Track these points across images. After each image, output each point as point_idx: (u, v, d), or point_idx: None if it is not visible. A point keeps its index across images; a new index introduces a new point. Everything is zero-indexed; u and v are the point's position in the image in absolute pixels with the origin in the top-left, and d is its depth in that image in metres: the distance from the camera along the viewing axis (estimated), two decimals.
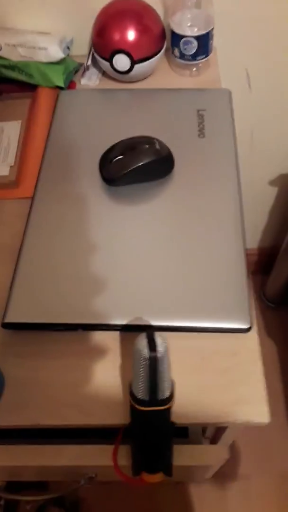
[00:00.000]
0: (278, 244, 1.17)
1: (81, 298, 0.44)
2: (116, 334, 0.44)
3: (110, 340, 0.44)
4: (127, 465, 0.40)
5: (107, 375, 0.42)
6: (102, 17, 0.61)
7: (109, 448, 0.41)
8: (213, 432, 0.47)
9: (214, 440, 0.53)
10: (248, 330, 0.42)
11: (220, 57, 0.71)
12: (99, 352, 0.43)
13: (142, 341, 0.34)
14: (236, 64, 0.75)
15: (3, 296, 0.46)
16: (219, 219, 0.49)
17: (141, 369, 0.33)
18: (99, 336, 0.44)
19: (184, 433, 0.49)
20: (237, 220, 0.49)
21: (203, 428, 0.55)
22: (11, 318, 0.43)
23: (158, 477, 0.37)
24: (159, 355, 0.33)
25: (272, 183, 1.02)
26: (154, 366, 0.33)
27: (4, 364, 0.43)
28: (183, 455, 0.40)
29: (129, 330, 0.43)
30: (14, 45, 0.61)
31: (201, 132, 0.57)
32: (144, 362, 0.33)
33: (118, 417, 0.39)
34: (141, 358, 0.33)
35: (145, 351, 0.33)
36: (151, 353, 0.33)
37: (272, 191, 1.05)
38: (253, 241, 1.22)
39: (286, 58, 0.75)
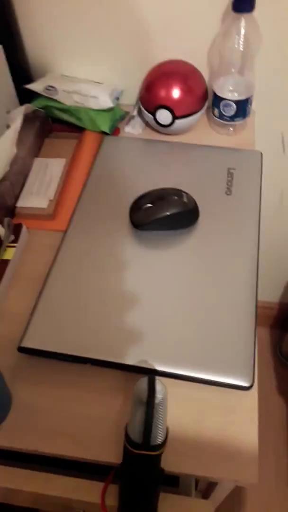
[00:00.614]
0: None
1: (95, 333, 0.47)
2: (121, 373, 0.46)
3: (116, 378, 0.45)
4: (114, 505, 0.41)
5: (108, 412, 0.43)
6: (152, 74, 0.66)
7: (100, 485, 0.42)
8: (205, 487, 0.48)
9: (205, 496, 0.53)
10: (249, 388, 0.43)
11: (257, 120, 0.75)
12: (103, 388, 0.45)
13: (142, 385, 0.36)
14: (273, 127, 0.79)
15: (24, 321, 0.49)
16: (235, 274, 0.51)
17: (138, 412, 0.35)
18: (106, 373, 0.46)
19: (175, 482, 0.49)
20: (252, 278, 0.51)
21: (196, 480, 0.55)
22: (27, 343, 0.46)
23: None
24: (156, 401, 0.35)
25: None
26: (150, 411, 0.35)
27: (13, 385, 0.45)
28: (167, 504, 0.40)
29: (134, 371, 0.45)
30: (69, 92, 0.68)
31: (229, 189, 0.60)
32: (141, 406, 0.35)
33: (112, 455, 0.41)
34: (139, 401, 0.35)
35: (144, 395, 0.35)
36: (149, 398, 0.35)
37: None
38: (275, 296, 1.22)
39: None
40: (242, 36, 0.60)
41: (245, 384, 0.43)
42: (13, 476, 0.43)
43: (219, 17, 0.64)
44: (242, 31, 0.60)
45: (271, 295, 1.20)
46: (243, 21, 0.59)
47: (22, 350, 0.46)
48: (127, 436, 0.37)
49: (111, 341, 0.46)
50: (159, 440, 0.36)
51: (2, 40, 0.65)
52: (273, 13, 0.63)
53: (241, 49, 0.61)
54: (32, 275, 0.54)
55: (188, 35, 0.67)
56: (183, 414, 0.43)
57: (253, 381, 0.43)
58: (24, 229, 0.57)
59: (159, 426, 0.36)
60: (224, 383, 0.43)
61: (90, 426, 0.43)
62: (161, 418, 0.36)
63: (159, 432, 0.36)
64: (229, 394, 0.44)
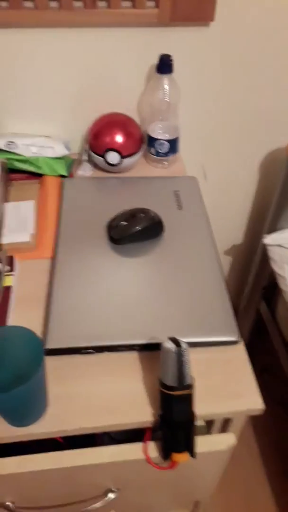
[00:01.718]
0: (236, 308, 1.34)
1: (103, 327, 0.55)
2: (135, 355, 0.55)
3: (130, 359, 0.54)
4: (157, 457, 0.48)
5: (132, 386, 0.52)
6: (98, 125, 0.80)
7: (139, 446, 0.49)
8: (220, 429, 0.57)
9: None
10: (236, 342, 0.55)
11: (183, 155, 0.93)
12: (123, 368, 0.53)
13: (169, 342, 0.46)
14: (195, 160, 0.97)
15: (38, 332, 0.56)
16: (201, 262, 0.64)
17: (171, 361, 0.45)
18: (122, 356, 0.54)
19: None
20: (215, 261, 0.65)
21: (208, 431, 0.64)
22: (51, 345, 0.53)
23: (185, 457, 0.46)
24: (183, 349, 0.45)
25: (227, 252, 1.21)
26: (180, 357, 0.45)
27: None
28: (199, 444, 0.49)
29: (145, 350, 0.54)
30: (27, 145, 0.79)
31: (179, 206, 0.75)
32: (173, 355, 0.45)
33: (145, 415, 0.49)
34: (171, 352, 0.45)
35: (173, 346, 0.45)
36: (178, 347, 0.45)
37: (227, 260, 1.24)
38: None
39: (231, 156, 0.99)
40: (166, 91, 0.78)
41: (233, 339, 0.55)
42: (61, 457, 0.48)
43: (144, 77, 0.82)
44: (166, 87, 0.77)
45: None
46: (165, 80, 0.77)
47: (47, 352, 0.53)
48: (164, 384, 0.46)
49: (118, 329, 0.55)
50: (190, 380, 0.46)
51: None
52: (186, 75, 0.82)
53: (166, 99, 0.79)
54: (32, 296, 0.61)
55: (122, 92, 0.83)
56: (193, 371, 0.53)
57: (239, 336, 0.56)
58: (15, 259, 0.65)
59: (188, 369, 0.46)
60: (218, 341, 0.55)
61: (120, 399, 0.50)
62: (187, 363, 0.45)
63: (189, 373, 0.46)
64: (223, 352, 0.55)
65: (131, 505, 0.64)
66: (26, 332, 0.45)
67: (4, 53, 0.76)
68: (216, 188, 1.05)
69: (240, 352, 0.56)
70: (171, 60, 0.75)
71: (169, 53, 0.78)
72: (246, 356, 0.55)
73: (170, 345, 0.45)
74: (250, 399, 0.51)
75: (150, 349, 0.54)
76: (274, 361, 1.12)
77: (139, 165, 0.86)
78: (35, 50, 0.76)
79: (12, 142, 0.79)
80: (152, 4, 0.73)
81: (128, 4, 0.73)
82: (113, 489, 0.55)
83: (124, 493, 0.57)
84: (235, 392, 0.52)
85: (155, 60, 0.77)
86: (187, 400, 0.46)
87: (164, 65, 0.75)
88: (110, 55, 0.79)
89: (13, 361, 0.47)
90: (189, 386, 0.46)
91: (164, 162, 0.86)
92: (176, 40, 0.78)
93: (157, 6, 0.73)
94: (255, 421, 1.22)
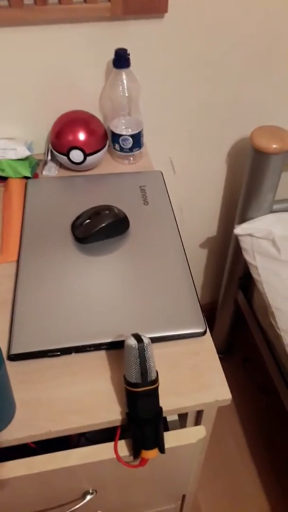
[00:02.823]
0: (215, 300, 1.35)
1: (69, 328, 0.55)
2: (103, 354, 0.54)
3: (98, 358, 0.54)
4: (127, 455, 0.48)
5: (100, 385, 0.51)
6: (59, 123, 0.79)
7: (110, 445, 0.49)
8: (193, 423, 0.57)
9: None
10: (204, 333, 0.55)
11: (149, 149, 0.93)
12: (91, 369, 0.53)
13: (130, 338, 0.45)
14: (162, 154, 0.97)
15: (4, 338, 0.55)
16: (168, 257, 0.64)
17: (133, 358, 0.45)
18: (89, 356, 0.54)
19: (165, 428, 0.58)
20: (181, 255, 0.65)
21: (181, 422, 0.64)
22: (15, 350, 0.53)
23: (154, 453, 0.46)
24: (145, 344, 0.45)
25: (202, 245, 1.22)
26: (143, 353, 0.44)
27: (13, 391, 0.51)
28: (169, 439, 0.49)
29: (113, 347, 0.54)
30: None
31: (145, 201, 0.75)
32: (134, 352, 0.44)
33: (115, 414, 0.49)
34: (132, 349, 0.45)
35: (134, 343, 0.45)
36: (139, 343, 0.44)
37: (203, 252, 1.25)
38: None
39: (197, 148, 0.99)
40: (125, 85, 0.77)
41: (201, 330, 0.55)
42: (31, 463, 0.48)
43: (103, 73, 0.81)
44: (124, 82, 0.77)
45: None
46: (123, 75, 0.76)
47: (12, 357, 0.52)
48: (128, 381, 0.45)
49: (85, 329, 0.55)
50: (153, 376, 0.46)
51: None
52: (145, 68, 0.82)
53: (126, 95, 0.78)
54: None
55: (81, 90, 0.82)
56: (162, 365, 0.52)
57: (205, 327, 0.56)
58: None
59: (151, 364, 0.45)
60: (185, 333, 0.55)
61: (89, 399, 0.50)
62: (150, 358, 0.45)
63: (153, 368, 0.45)
64: (191, 344, 0.55)
65: (114, 504, 0.63)
66: None
67: None
68: (186, 181, 1.05)
69: (207, 343, 0.56)
70: (127, 54, 0.75)
71: (126, 47, 0.77)
72: (213, 347, 0.55)
73: (131, 342, 0.45)
74: (218, 390, 0.51)
75: (117, 347, 0.54)
76: (256, 350, 1.13)
77: (104, 162, 0.85)
78: None
79: None
80: None
81: None
82: (90, 490, 0.54)
83: (103, 494, 0.57)
84: (203, 384, 0.52)
85: (111, 55, 0.76)
86: (152, 395, 0.46)
87: (120, 60, 0.75)
88: (66, 52, 0.78)
89: None
90: (153, 382, 0.46)
91: (130, 158, 0.85)
92: (131, 34, 0.77)
93: (109, 0, 0.72)
94: (240, 408, 1.23)
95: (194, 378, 0.52)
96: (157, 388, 0.46)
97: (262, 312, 1.02)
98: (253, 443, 1.18)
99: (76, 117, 0.80)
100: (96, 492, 0.55)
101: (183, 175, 1.03)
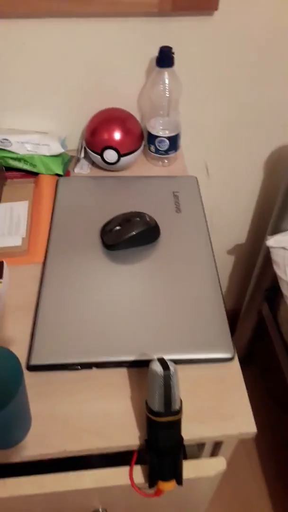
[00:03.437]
0: (239, 307, 1.31)
1: (92, 341, 0.53)
2: (124, 371, 0.52)
3: (120, 376, 0.52)
4: (141, 483, 0.46)
5: (120, 405, 0.49)
6: (95, 121, 0.77)
7: (125, 470, 0.47)
8: (210, 451, 0.55)
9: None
10: (232, 359, 0.53)
11: (184, 151, 0.89)
12: (111, 386, 0.51)
13: (156, 364, 0.43)
14: (197, 157, 0.93)
15: (25, 345, 0.54)
16: (198, 271, 0.61)
17: (157, 385, 0.42)
18: (110, 373, 0.52)
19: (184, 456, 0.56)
20: (213, 271, 0.62)
21: (199, 449, 0.62)
22: (35, 360, 0.51)
23: (171, 485, 0.44)
24: (171, 372, 0.42)
25: (229, 252, 1.18)
26: (168, 381, 0.42)
27: (30, 402, 0.49)
28: (187, 469, 0.47)
29: (135, 366, 0.52)
30: (23, 142, 0.75)
31: (178, 208, 0.72)
32: (159, 379, 0.42)
33: (133, 438, 0.47)
34: (157, 376, 0.42)
35: (160, 370, 0.42)
36: (165, 371, 0.42)
37: (230, 259, 1.21)
38: None
39: (234, 154, 0.95)
40: (166, 85, 0.74)
41: (228, 356, 0.52)
42: (42, 481, 0.46)
43: (144, 71, 0.78)
44: (166, 81, 0.73)
45: None
46: (166, 74, 0.73)
47: (31, 368, 0.51)
48: (150, 409, 0.43)
49: (108, 344, 0.53)
50: (177, 406, 0.43)
51: None
52: (188, 68, 0.78)
53: (167, 95, 0.75)
54: (21, 305, 0.59)
55: (120, 87, 0.79)
56: (184, 390, 0.50)
57: (234, 352, 0.53)
58: (5, 266, 0.62)
59: (175, 393, 0.43)
60: (212, 358, 0.52)
61: (108, 419, 0.48)
62: (176, 387, 0.43)
63: (177, 398, 0.43)
64: (217, 368, 0.53)
65: None
66: (4, 352, 0.42)
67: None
68: (219, 186, 1.01)
69: (234, 370, 0.53)
70: (172, 53, 0.71)
71: (170, 44, 0.73)
72: (240, 374, 0.53)
73: (157, 368, 0.43)
74: (243, 422, 0.49)
75: (140, 366, 0.52)
76: (275, 363, 1.09)
77: (138, 162, 0.83)
78: (29, 41, 0.72)
79: (6, 139, 0.75)
80: None
81: None
82: (100, 510, 0.53)
83: None
84: (227, 414, 0.49)
85: (155, 52, 0.73)
86: (174, 426, 0.43)
87: (165, 58, 0.71)
88: (108, 47, 0.74)
89: None
90: (177, 412, 0.43)
91: (164, 160, 0.82)
92: (177, 31, 0.73)
93: None
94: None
95: (218, 406, 0.50)
96: (180, 419, 0.44)
97: (287, 327, 0.99)
98: (266, 456, 1.16)
99: (113, 115, 0.77)
100: (106, 511, 0.54)
101: (217, 179, 1.00)
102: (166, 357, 0.51)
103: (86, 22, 0.71)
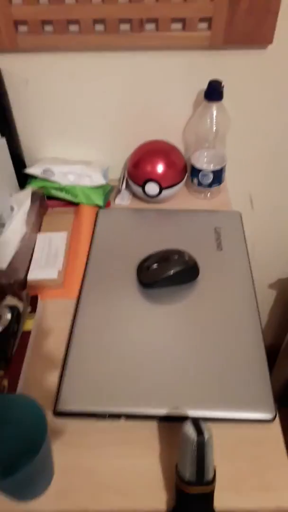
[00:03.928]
0: (279, 343, 1.24)
1: (123, 389, 0.50)
2: (154, 424, 0.49)
3: (149, 429, 0.49)
4: None
5: (148, 463, 0.46)
6: (138, 153, 0.76)
7: None
8: None
9: None
10: (272, 420, 0.48)
11: (228, 183, 0.86)
12: (139, 440, 0.48)
13: (189, 427, 0.40)
14: (242, 189, 0.90)
15: (52, 387, 0.52)
16: (238, 318, 0.57)
17: (189, 452, 0.39)
18: (139, 425, 0.49)
19: None
20: (255, 319, 0.58)
21: None
22: (62, 407, 0.49)
23: None
24: (205, 439, 0.39)
25: (271, 286, 1.12)
26: (201, 449, 0.39)
27: (54, 450, 0.47)
28: None
29: (166, 421, 0.49)
30: (65, 173, 0.75)
31: (219, 246, 0.69)
32: (192, 446, 0.39)
33: (161, 502, 0.43)
34: (190, 442, 0.39)
35: (193, 435, 0.39)
36: (199, 437, 0.39)
37: (272, 293, 1.15)
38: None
39: (280, 187, 0.90)
40: (214, 119, 0.71)
41: (268, 417, 0.48)
42: None
43: (191, 104, 0.76)
44: (214, 115, 0.71)
45: None
46: (214, 108, 0.71)
47: (58, 414, 0.49)
48: (180, 476, 0.40)
49: (140, 394, 0.50)
50: (211, 476, 0.40)
51: (2, 133, 0.73)
52: (238, 101, 0.76)
53: (214, 129, 0.72)
54: (52, 343, 0.58)
55: (166, 119, 0.78)
56: (217, 452, 0.46)
57: (275, 413, 0.48)
58: (40, 300, 0.61)
59: (210, 462, 0.39)
60: (251, 419, 0.48)
61: (134, 477, 0.45)
62: (210, 455, 0.39)
63: (210, 468, 0.39)
64: (256, 429, 0.48)
65: None
66: (30, 403, 0.41)
67: (49, 77, 0.73)
68: (263, 218, 0.97)
69: (275, 432, 0.48)
70: (221, 87, 0.69)
71: (220, 77, 0.72)
72: (281, 437, 0.48)
73: (190, 433, 0.39)
74: (282, 494, 0.44)
75: (172, 421, 0.49)
76: None
77: (180, 194, 0.81)
78: (79, 73, 0.73)
79: (48, 169, 0.76)
80: (204, 25, 0.67)
81: (178, 26, 0.68)
82: None
83: None
84: (265, 482, 0.45)
85: (204, 85, 0.71)
86: (206, 498, 0.40)
87: (214, 92, 0.69)
88: (156, 79, 0.74)
89: (15, 433, 0.43)
90: (210, 482, 0.40)
91: (207, 193, 0.79)
92: (228, 64, 0.71)
93: (209, 28, 0.67)
94: None
95: (255, 473, 0.45)
96: (213, 490, 0.40)
97: None
98: None
99: (156, 148, 0.76)
100: None
101: (261, 212, 0.95)
102: (200, 413, 0.48)
103: (135, 55, 0.70)
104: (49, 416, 0.50)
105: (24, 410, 0.41)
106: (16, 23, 0.66)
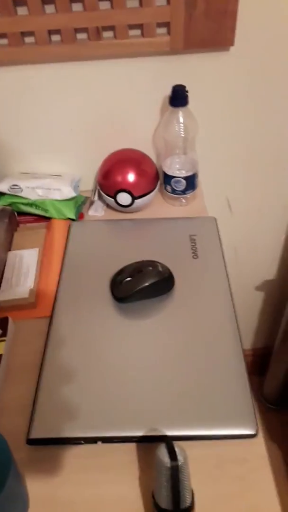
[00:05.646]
0: (270, 345, 1.23)
1: (98, 412, 0.48)
2: (133, 446, 0.47)
3: (128, 452, 0.46)
4: None
5: (127, 489, 0.44)
6: (108, 163, 0.74)
7: None
8: None
9: None
10: (255, 435, 0.46)
11: (204, 188, 0.85)
12: (118, 464, 0.46)
13: (163, 451, 0.37)
14: (218, 193, 0.89)
15: (27, 412, 0.50)
16: (217, 330, 0.56)
17: (164, 479, 0.37)
18: (117, 448, 0.47)
19: None
20: (233, 327, 0.56)
21: None
22: (35, 434, 0.47)
23: None
24: (180, 463, 0.37)
25: (258, 288, 1.11)
26: (176, 475, 0.36)
27: (28, 481, 0.45)
28: None
29: (145, 441, 0.46)
30: (33, 188, 0.73)
31: (195, 254, 0.67)
32: (166, 472, 0.37)
33: None
34: (163, 468, 0.37)
35: (166, 460, 0.37)
36: (172, 462, 0.36)
37: (260, 295, 1.14)
38: (247, 343, 1.27)
39: (258, 187, 0.89)
40: (181, 124, 0.70)
41: (251, 432, 0.46)
42: None
43: (158, 110, 0.75)
44: (181, 120, 0.70)
45: (243, 343, 1.25)
46: (180, 113, 0.69)
47: (31, 442, 0.46)
48: (156, 504, 0.38)
49: (115, 415, 0.48)
50: (188, 502, 0.37)
51: None
52: (205, 104, 0.74)
53: (182, 134, 0.71)
54: (25, 365, 0.55)
55: (134, 127, 0.77)
56: (200, 473, 0.44)
57: (257, 428, 0.46)
58: (10, 321, 0.59)
59: (186, 488, 0.37)
60: (232, 435, 0.46)
61: (114, 506, 0.43)
62: (186, 480, 0.37)
63: (187, 494, 0.37)
64: (238, 445, 0.46)
65: None
66: None
67: (10, 91, 0.71)
68: (244, 221, 0.95)
69: (258, 448, 0.46)
70: (185, 91, 0.68)
71: (185, 82, 0.70)
72: (265, 452, 0.46)
73: (163, 458, 0.37)
74: None
75: (150, 441, 0.46)
76: None
77: (155, 202, 0.79)
78: (41, 86, 0.71)
79: (16, 185, 0.74)
80: (163, 31, 0.66)
81: (137, 32, 0.66)
82: None
83: None
84: (250, 504, 0.42)
85: (169, 91, 0.70)
86: None
87: (178, 97, 0.68)
88: (119, 88, 0.72)
89: None
90: (187, 509, 0.37)
91: (182, 200, 0.78)
92: (192, 68, 0.70)
93: (168, 33, 0.65)
94: None
95: (239, 494, 0.43)
96: None
97: None
98: None
99: (125, 157, 0.74)
100: None
101: (241, 214, 0.94)
102: (180, 432, 0.46)
103: (96, 65, 0.69)
104: (22, 444, 0.47)
105: None
106: None
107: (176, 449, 0.37)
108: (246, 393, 0.49)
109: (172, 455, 0.37)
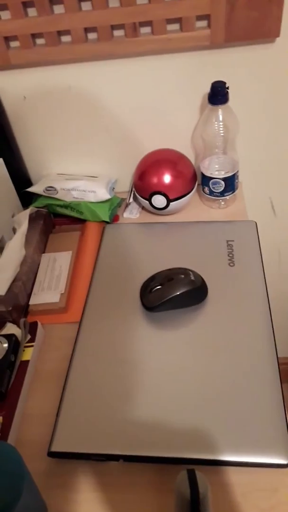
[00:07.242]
0: None
1: (123, 428, 0.46)
2: (157, 466, 0.45)
3: (151, 472, 0.44)
4: None
5: (148, 509, 0.42)
6: (143, 164, 0.71)
7: None
8: None
9: None
10: (287, 465, 0.42)
11: (245, 189, 0.80)
12: (140, 485, 0.44)
13: (183, 481, 0.35)
14: (261, 194, 0.84)
15: (51, 421, 0.49)
16: (252, 345, 0.52)
17: (184, 509, 0.34)
18: (140, 468, 0.45)
19: None
20: (270, 340, 0.52)
21: None
22: (56, 447, 0.46)
23: None
24: (200, 496, 0.34)
25: None
26: (195, 508, 0.34)
27: (48, 494, 0.44)
28: None
29: (169, 463, 0.44)
30: (68, 189, 0.72)
31: (231, 261, 0.63)
32: (185, 504, 0.34)
33: None
34: (182, 498, 0.34)
35: (186, 492, 0.34)
36: (192, 494, 0.34)
37: None
38: (284, 350, 1.21)
39: None
40: (221, 123, 0.66)
41: (283, 461, 0.42)
42: None
43: (197, 108, 0.71)
44: (220, 118, 0.66)
45: (282, 351, 1.19)
46: (220, 111, 0.65)
47: (52, 454, 0.46)
48: None
49: (140, 433, 0.46)
50: None
51: (1, 152, 0.71)
52: (247, 100, 0.70)
53: (222, 133, 0.67)
54: (52, 372, 0.55)
55: (172, 126, 0.73)
56: (226, 502, 0.41)
57: None
58: (39, 326, 0.59)
59: None
60: (262, 463, 0.43)
61: None
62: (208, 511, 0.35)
63: None
64: (269, 474, 0.43)
65: None
66: (6, 449, 0.37)
67: (45, 91, 0.70)
68: (287, 223, 0.90)
69: None
70: (225, 88, 0.64)
71: (225, 78, 0.66)
72: None
73: (184, 488, 0.34)
74: None
75: (173, 463, 0.44)
76: None
77: (193, 204, 0.76)
78: (75, 85, 0.70)
79: (51, 187, 0.73)
80: (203, 24, 0.62)
81: (175, 27, 0.63)
82: None
83: None
84: None
85: (208, 88, 0.66)
86: None
87: (217, 95, 0.64)
88: (158, 85, 0.69)
89: None
90: None
91: (221, 202, 0.74)
92: (233, 63, 0.66)
93: (208, 26, 0.62)
94: None
95: None
96: None
97: None
98: None
99: (162, 158, 0.71)
100: None
101: (284, 216, 0.88)
102: (206, 456, 0.43)
103: (132, 62, 0.67)
104: (43, 455, 0.46)
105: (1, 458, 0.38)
106: (7, 39, 0.64)
107: (198, 480, 0.35)
108: (281, 418, 0.45)
109: (193, 485, 0.34)
